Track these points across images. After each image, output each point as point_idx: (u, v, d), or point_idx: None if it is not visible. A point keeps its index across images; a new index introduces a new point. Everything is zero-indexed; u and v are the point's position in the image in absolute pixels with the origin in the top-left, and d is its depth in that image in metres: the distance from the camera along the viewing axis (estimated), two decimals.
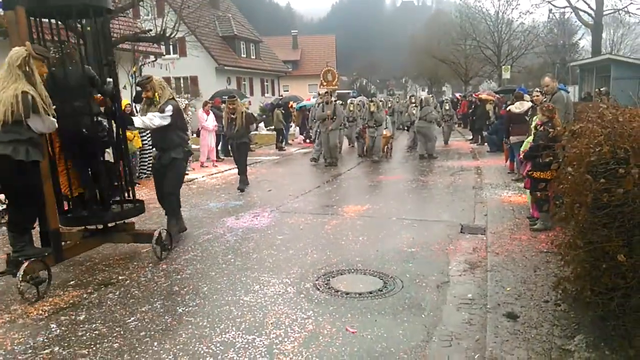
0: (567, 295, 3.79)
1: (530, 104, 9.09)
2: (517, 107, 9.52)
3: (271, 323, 3.83)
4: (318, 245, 5.88)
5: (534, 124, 6.74)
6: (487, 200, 7.95)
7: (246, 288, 4.58)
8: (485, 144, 15.43)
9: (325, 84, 13.67)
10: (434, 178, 10.64)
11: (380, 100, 19.98)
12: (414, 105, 15.87)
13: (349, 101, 16.95)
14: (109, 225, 5.52)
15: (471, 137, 18.27)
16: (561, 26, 38.58)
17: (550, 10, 36.04)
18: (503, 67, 33.61)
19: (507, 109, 10.13)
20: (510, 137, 9.44)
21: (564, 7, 32.79)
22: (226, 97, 17.81)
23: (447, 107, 17.55)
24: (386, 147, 14.42)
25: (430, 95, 17.22)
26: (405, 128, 17.57)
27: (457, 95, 28.41)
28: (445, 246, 5.73)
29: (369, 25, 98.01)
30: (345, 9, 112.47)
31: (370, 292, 4.41)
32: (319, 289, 4.50)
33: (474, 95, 20.78)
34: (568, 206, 3.55)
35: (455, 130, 20.40)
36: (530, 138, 6.69)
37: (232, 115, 9.45)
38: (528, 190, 6.69)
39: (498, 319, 3.72)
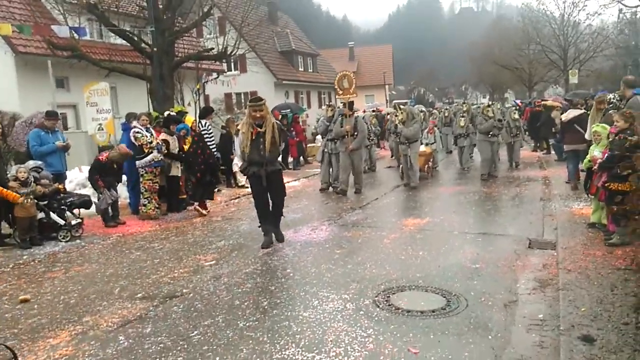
0: None
1: (579, 111, 8.71)
2: (566, 115, 9.16)
3: (331, 340, 3.78)
4: (377, 260, 5.77)
5: (591, 132, 6.42)
6: (557, 213, 7.55)
7: (305, 303, 4.56)
8: (552, 152, 14.74)
9: (341, 92, 11.27)
10: (497, 189, 10.25)
11: (422, 111, 18.83)
12: (462, 114, 13.95)
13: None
14: None
15: (536, 145, 17.50)
16: (633, 26, 36.47)
17: (620, 10, 34.15)
18: (570, 71, 32.08)
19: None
20: (565, 146, 9.11)
21: (636, 7, 30.90)
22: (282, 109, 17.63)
23: (516, 117, 13.55)
24: (427, 166, 12.25)
25: (490, 103, 16.24)
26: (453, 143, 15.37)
27: (519, 102, 27.31)
28: (513, 262, 5.46)
29: (427, 34, 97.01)
30: (402, 18, 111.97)
31: (433, 311, 4.26)
32: (378, 306, 4.40)
33: (535, 103, 19.91)
34: None
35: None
36: (595, 147, 6.33)
37: (260, 129, 6.33)
38: (595, 201, 6.31)
39: (572, 342, 3.47)
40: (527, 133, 21.64)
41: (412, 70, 72.14)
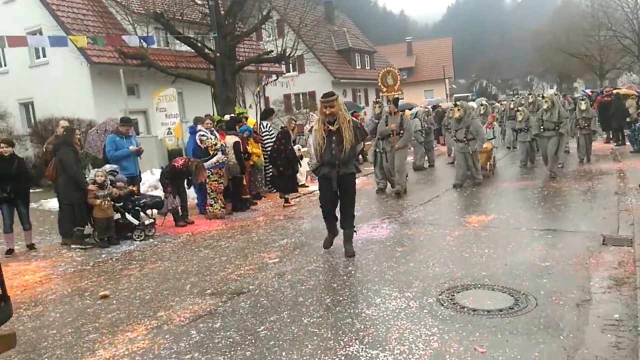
0: None
1: None
2: None
3: (394, 338, 3.79)
4: (440, 258, 5.69)
5: None
6: (633, 208, 7.12)
7: (368, 301, 4.58)
8: (628, 143, 13.86)
9: (384, 89, 10.62)
10: (568, 184, 9.80)
11: (482, 104, 17.85)
12: (519, 107, 12.85)
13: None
14: None
15: (610, 136, 16.52)
16: None
17: None
18: None
19: None
20: None
21: None
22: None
23: (584, 107, 12.45)
24: (488, 163, 11.57)
25: (554, 93, 15.07)
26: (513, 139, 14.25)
27: (588, 91, 25.85)
28: (585, 260, 5.22)
29: (488, 24, 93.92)
30: (462, 9, 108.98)
31: (500, 310, 4.15)
32: (443, 305, 4.35)
33: (604, 92, 18.72)
34: None
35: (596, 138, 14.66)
36: None
37: (332, 127, 5.82)
38: None
39: None
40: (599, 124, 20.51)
41: (473, 62, 70.22)
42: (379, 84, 10.86)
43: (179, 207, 8.57)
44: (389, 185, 10.41)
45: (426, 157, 14.21)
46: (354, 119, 6.11)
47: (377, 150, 10.34)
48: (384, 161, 10.16)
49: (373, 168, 10.98)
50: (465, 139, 10.23)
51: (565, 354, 3.38)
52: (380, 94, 11.68)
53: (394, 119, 9.83)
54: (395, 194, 9.77)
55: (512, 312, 4.10)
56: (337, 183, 5.87)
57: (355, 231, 6.17)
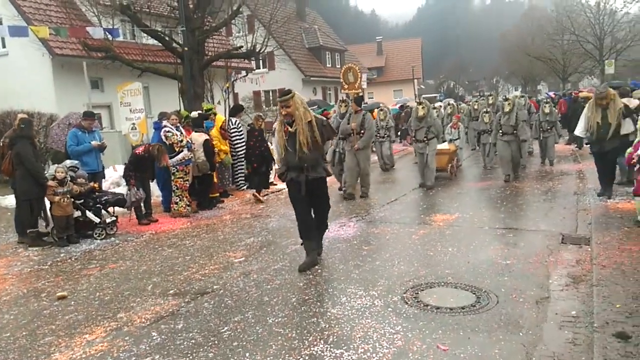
0: None
1: (638, 101, 8.31)
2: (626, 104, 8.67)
3: (359, 337, 3.79)
4: (405, 257, 5.75)
5: (585, 127, 6.19)
6: (591, 208, 7.35)
7: (333, 300, 4.58)
8: (586, 145, 14.25)
9: (346, 86, 10.65)
10: (529, 184, 10.04)
11: (449, 104, 17.62)
12: (486, 108, 12.52)
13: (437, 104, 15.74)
14: None
15: (568, 139, 16.99)
16: None
17: None
18: (606, 61, 31.13)
19: None
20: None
21: None
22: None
23: (547, 110, 12.41)
24: (450, 165, 11.41)
25: (521, 95, 15.09)
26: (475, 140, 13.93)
27: (552, 94, 26.59)
28: (545, 258, 5.35)
29: (457, 26, 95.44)
30: (432, 11, 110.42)
31: (463, 308, 4.22)
32: (407, 303, 4.39)
33: (573, 93, 19.28)
34: None
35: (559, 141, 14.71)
36: (638, 139, 6.13)
37: (291, 128, 5.35)
38: (635, 196, 6.12)
39: (607, 339, 3.39)
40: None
41: (441, 63, 71.21)
42: (341, 80, 10.71)
43: (142, 204, 8.37)
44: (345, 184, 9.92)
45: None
46: (320, 116, 5.71)
47: (337, 150, 10.07)
48: (346, 160, 9.73)
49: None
50: (425, 139, 10.11)
51: (525, 350, 3.45)
52: (342, 91, 11.51)
53: (355, 117, 9.54)
54: (348, 197, 9.51)
55: (474, 309, 4.17)
56: (306, 188, 5.43)
57: (327, 229, 6.06)
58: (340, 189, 10.19)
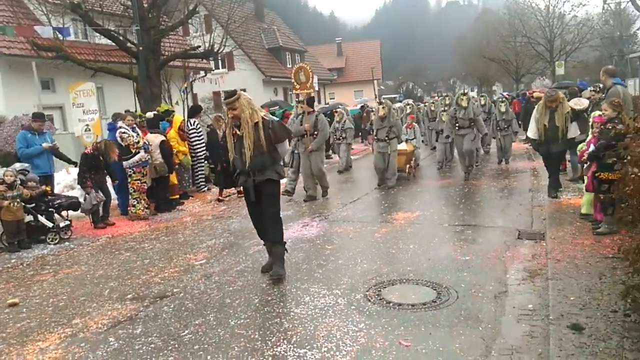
0: (637, 304, 3.53)
1: (587, 101, 8.64)
2: (577, 104, 8.99)
3: (322, 336, 3.78)
4: (368, 255, 5.78)
5: (591, 121, 6.41)
6: (545, 204, 7.60)
7: (296, 300, 4.56)
8: None
9: (297, 87, 10.17)
10: (486, 182, 10.30)
11: (408, 104, 17.75)
12: (443, 108, 12.45)
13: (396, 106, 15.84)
14: None
15: (524, 137, 17.55)
16: (617, 17, 36.84)
17: (604, 1, 34.44)
18: (556, 62, 32.39)
19: None
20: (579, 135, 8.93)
21: None
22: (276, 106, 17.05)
23: (503, 109, 12.78)
24: (408, 165, 11.30)
25: (481, 95, 15.42)
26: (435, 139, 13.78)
27: (506, 94, 27.44)
28: (502, 253, 5.50)
29: (414, 28, 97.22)
30: (389, 13, 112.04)
31: (424, 304, 4.27)
32: (370, 300, 4.41)
33: (527, 93, 19.93)
34: (635, 209, 3.32)
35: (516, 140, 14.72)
36: (590, 137, 6.37)
37: (239, 132, 5.06)
38: (586, 192, 6.36)
39: (562, 330, 3.50)
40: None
41: (400, 65, 72.34)
42: (292, 80, 10.49)
43: (101, 207, 8.11)
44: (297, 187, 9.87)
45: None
46: (271, 117, 5.38)
47: (295, 151, 9.86)
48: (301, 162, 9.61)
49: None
50: (386, 138, 10.09)
51: (484, 344, 3.52)
52: (294, 91, 11.20)
53: (308, 118, 9.35)
54: (308, 199, 9.43)
55: (435, 305, 4.23)
56: (255, 192, 5.17)
57: (286, 250, 5.42)
58: (285, 191, 9.69)
